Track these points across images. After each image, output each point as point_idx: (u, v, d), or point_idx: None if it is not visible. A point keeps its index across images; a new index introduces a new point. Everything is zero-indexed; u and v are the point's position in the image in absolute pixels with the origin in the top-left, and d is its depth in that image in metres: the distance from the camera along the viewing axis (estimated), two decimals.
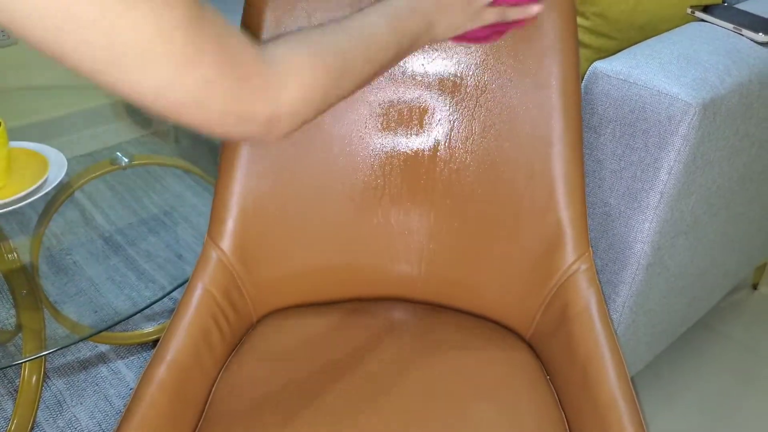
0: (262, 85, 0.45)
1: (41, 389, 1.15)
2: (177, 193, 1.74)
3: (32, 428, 1.13)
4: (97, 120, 1.77)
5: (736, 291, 1.53)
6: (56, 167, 1.03)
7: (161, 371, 0.65)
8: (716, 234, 1.04)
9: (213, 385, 0.73)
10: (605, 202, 0.90)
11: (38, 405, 1.14)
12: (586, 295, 0.73)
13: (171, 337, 0.69)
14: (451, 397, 0.69)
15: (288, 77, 0.47)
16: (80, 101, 1.74)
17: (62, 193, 1.14)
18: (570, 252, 0.76)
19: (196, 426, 0.69)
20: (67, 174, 1.04)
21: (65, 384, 1.23)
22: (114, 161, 1.14)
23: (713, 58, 0.85)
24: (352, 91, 0.55)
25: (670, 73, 0.80)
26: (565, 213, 0.76)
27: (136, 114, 1.84)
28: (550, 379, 0.77)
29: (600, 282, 0.94)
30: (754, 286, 1.54)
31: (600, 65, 0.85)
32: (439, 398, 0.69)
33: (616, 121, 0.84)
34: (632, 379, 1.29)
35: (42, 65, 2.02)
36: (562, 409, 0.73)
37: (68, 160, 1.06)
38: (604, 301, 0.73)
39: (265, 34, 0.75)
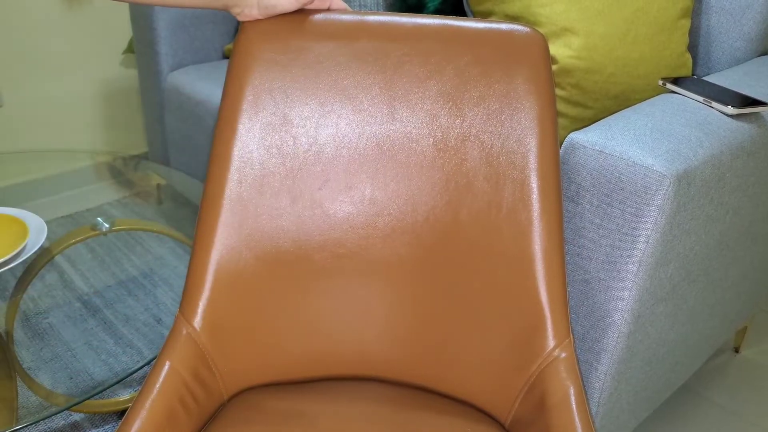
0: None
1: None
2: (158, 255, 1.73)
3: None
4: (79, 181, 1.77)
5: (718, 355, 1.53)
6: (36, 233, 1.03)
7: None
8: (696, 300, 1.05)
9: None
10: (585, 269, 0.90)
11: None
12: (565, 385, 0.72)
13: (133, 417, 0.67)
14: None
15: None
16: (61, 164, 1.75)
17: (42, 258, 1.13)
18: (550, 338, 0.76)
19: None
20: (47, 239, 1.04)
21: None
22: (95, 227, 1.14)
23: (686, 130, 0.88)
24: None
25: (645, 145, 0.83)
26: (544, 297, 0.76)
27: (119, 175, 1.85)
28: None
29: (581, 350, 0.94)
30: (736, 350, 1.54)
31: (576, 136, 0.87)
32: None
33: (593, 190, 0.86)
34: None
35: (28, 129, 2.03)
36: None
37: (49, 222, 1.06)
38: (584, 392, 0.72)
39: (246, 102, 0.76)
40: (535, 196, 0.76)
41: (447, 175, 0.79)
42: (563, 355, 0.74)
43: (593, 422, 0.70)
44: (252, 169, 0.78)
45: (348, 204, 0.80)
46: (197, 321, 0.76)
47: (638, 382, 1.04)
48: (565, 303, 0.76)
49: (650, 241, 0.83)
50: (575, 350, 0.75)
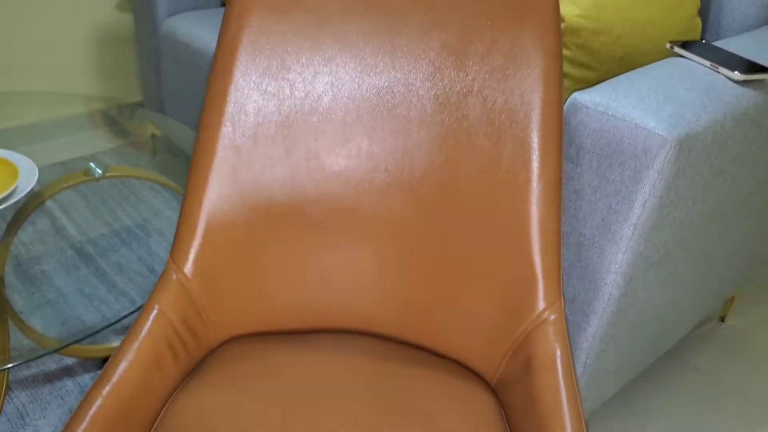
0: None
1: (3, 402, 1.12)
2: (151, 205, 1.72)
3: None
4: (72, 128, 1.75)
5: (705, 323, 1.55)
6: (26, 175, 1.01)
7: (104, 393, 0.63)
8: (688, 267, 1.06)
9: (162, 410, 0.71)
10: (579, 231, 0.90)
11: None
12: (552, 347, 0.72)
13: (119, 359, 0.66)
14: None
15: None
16: (56, 108, 1.72)
17: (32, 202, 1.12)
18: (540, 300, 0.75)
19: None
20: (38, 183, 1.02)
21: (28, 397, 1.20)
22: (87, 172, 1.12)
23: (690, 95, 0.86)
24: None
25: (648, 108, 0.82)
26: (538, 259, 0.76)
27: (114, 123, 1.82)
28: (510, 427, 0.75)
29: (571, 311, 0.95)
30: (722, 319, 1.56)
31: (579, 96, 0.86)
32: None
33: (593, 152, 0.85)
34: (601, 407, 1.29)
35: (17, 70, 1.99)
36: None
37: (40, 169, 1.04)
38: (571, 355, 0.72)
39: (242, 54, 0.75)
40: (535, 155, 0.75)
41: (447, 130, 0.78)
42: (552, 317, 0.74)
43: (578, 385, 0.70)
44: (246, 115, 0.76)
45: (344, 157, 0.79)
46: (188, 267, 0.76)
47: (625, 345, 1.05)
48: (559, 266, 0.76)
49: (647, 205, 0.83)
50: (565, 313, 0.76)
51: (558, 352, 0.71)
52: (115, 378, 0.64)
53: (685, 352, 1.45)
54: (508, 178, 0.76)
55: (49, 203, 1.66)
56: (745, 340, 1.51)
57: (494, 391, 0.80)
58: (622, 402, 1.31)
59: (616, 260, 0.88)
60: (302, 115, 0.77)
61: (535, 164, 0.75)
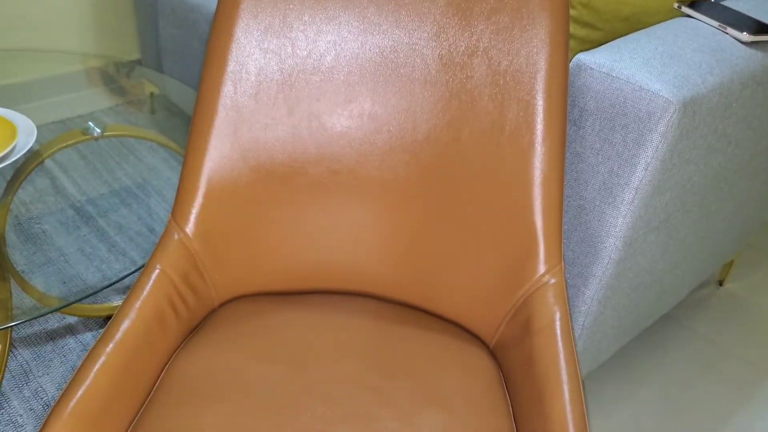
0: None
1: (7, 359, 1.13)
2: (151, 165, 1.71)
3: None
4: (69, 86, 1.73)
5: (703, 287, 1.56)
6: (25, 134, 1.00)
7: (107, 351, 0.63)
8: (688, 231, 1.06)
9: (164, 368, 0.72)
10: (580, 195, 0.90)
11: (3, 374, 1.12)
12: (552, 310, 0.72)
13: (122, 317, 0.67)
14: (403, 401, 0.67)
15: None
16: (53, 66, 1.70)
17: (32, 161, 1.11)
18: (541, 264, 0.75)
19: (139, 410, 0.68)
20: (37, 141, 1.02)
21: (31, 354, 1.21)
22: (86, 131, 1.11)
23: (697, 56, 0.85)
24: None
25: (653, 69, 0.81)
26: (540, 222, 0.75)
27: (112, 82, 1.80)
28: (508, 389, 0.76)
29: (570, 275, 0.95)
30: (720, 283, 1.57)
31: (584, 57, 0.85)
32: (389, 402, 0.67)
33: (596, 114, 0.84)
34: (597, 369, 1.31)
35: (14, 27, 1.96)
36: (515, 422, 0.72)
37: (39, 127, 1.04)
38: (570, 318, 0.72)
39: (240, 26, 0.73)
40: (539, 118, 0.74)
41: (451, 92, 0.77)
42: (553, 281, 0.75)
43: (576, 348, 0.71)
44: (248, 74, 0.75)
45: (346, 118, 0.78)
46: (189, 227, 0.76)
47: (623, 308, 1.06)
48: (560, 230, 0.76)
49: (649, 168, 0.83)
50: (565, 276, 0.76)
51: (557, 316, 0.72)
52: (117, 336, 0.65)
53: (683, 316, 1.47)
54: (511, 142, 0.75)
55: (48, 162, 1.65)
56: (742, 304, 1.52)
57: (493, 353, 0.81)
58: (619, 364, 1.33)
59: (617, 224, 0.88)
60: (304, 74, 0.76)
61: (540, 127, 0.74)
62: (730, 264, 1.53)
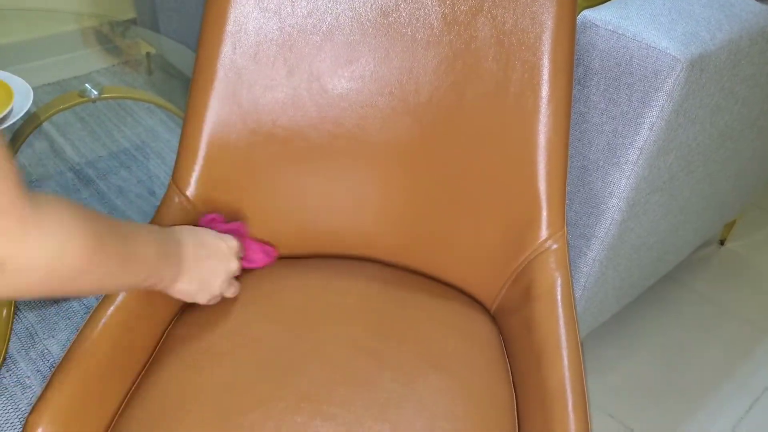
0: (14, 224, 0.40)
1: (12, 322, 1.14)
2: (149, 127, 1.70)
3: (4, 359, 1.13)
4: (65, 46, 1.70)
5: (704, 246, 1.56)
6: (22, 97, 0.99)
7: (108, 313, 0.64)
8: (692, 191, 1.05)
9: (166, 330, 0.72)
10: (584, 155, 0.89)
11: (10, 337, 1.13)
12: (553, 276, 0.72)
13: None
14: (404, 365, 0.68)
15: (49, 225, 0.42)
16: (47, 25, 1.67)
17: (29, 124, 1.10)
18: (543, 229, 0.75)
19: (141, 371, 0.68)
20: (33, 104, 1.00)
21: (36, 317, 1.22)
22: (83, 93, 1.10)
23: (706, 12, 0.83)
24: (92, 287, 0.48)
25: (661, 26, 0.79)
26: (543, 187, 0.74)
27: (107, 42, 1.77)
28: (507, 354, 0.76)
29: (572, 236, 0.95)
30: (722, 242, 1.57)
31: (589, 14, 0.83)
32: (389, 365, 0.67)
33: (601, 73, 0.83)
34: (598, 328, 1.32)
35: None
36: (515, 387, 0.72)
37: (34, 89, 1.02)
38: (572, 284, 0.72)
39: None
40: (544, 80, 0.73)
41: (455, 52, 0.75)
42: (555, 246, 0.74)
43: (577, 313, 0.71)
44: (247, 35, 0.73)
45: (347, 79, 0.77)
46: (190, 190, 0.75)
47: (625, 269, 1.06)
48: (563, 195, 0.75)
49: (654, 128, 0.82)
50: (567, 241, 0.76)
51: (558, 282, 0.71)
52: (118, 299, 0.65)
53: (684, 275, 1.47)
54: (515, 104, 0.74)
55: (45, 125, 1.63)
56: (743, 264, 1.53)
57: (493, 318, 0.81)
58: (619, 323, 1.34)
59: (620, 184, 0.87)
60: (304, 34, 0.75)
61: (544, 90, 0.73)
62: (732, 223, 1.53)
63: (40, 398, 0.58)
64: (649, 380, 1.23)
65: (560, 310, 0.69)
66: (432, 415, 0.63)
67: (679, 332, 1.34)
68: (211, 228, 0.68)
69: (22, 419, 1.06)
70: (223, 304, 0.71)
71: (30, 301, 1.26)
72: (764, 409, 1.20)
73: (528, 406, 0.67)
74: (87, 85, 1.10)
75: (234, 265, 0.67)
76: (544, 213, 0.74)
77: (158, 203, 1.45)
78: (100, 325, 0.63)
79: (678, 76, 0.77)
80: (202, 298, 0.66)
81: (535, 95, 0.73)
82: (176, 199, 0.75)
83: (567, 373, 0.63)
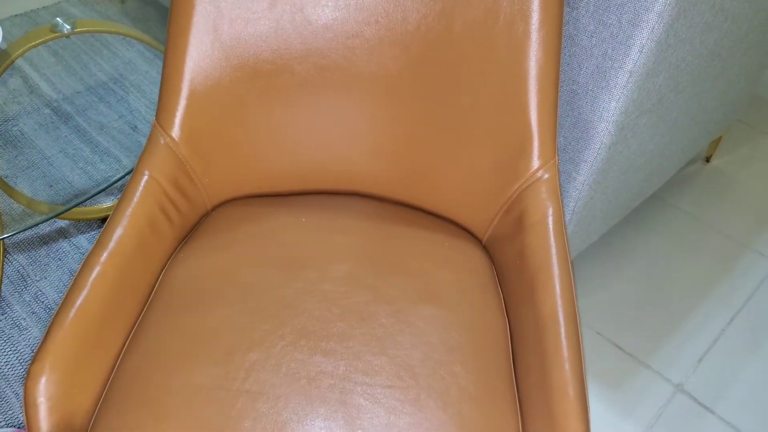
0: None
1: (2, 265, 1.14)
2: (126, 59, 1.64)
3: None
4: None
5: (689, 164, 1.57)
6: None
7: (102, 260, 0.64)
8: (679, 112, 1.05)
9: (161, 273, 0.73)
10: (573, 80, 0.88)
11: (1, 280, 1.14)
12: (544, 205, 0.72)
13: (114, 225, 0.67)
14: (399, 298, 0.69)
15: None
16: None
17: (0, 61, 1.06)
18: (535, 159, 0.74)
19: (139, 315, 0.69)
20: (4, 40, 0.96)
21: (27, 259, 1.22)
22: (55, 28, 1.05)
23: None
24: None
25: None
26: (534, 117, 0.73)
27: None
28: (500, 284, 0.78)
29: (562, 161, 0.95)
30: (707, 159, 1.58)
31: None
32: (385, 299, 0.68)
33: None
34: (586, 250, 1.35)
35: None
36: (508, 315, 0.74)
37: (2, 21, 0.97)
38: (563, 212, 0.72)
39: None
40: (535, 6, 0.71)
41: None
42: (546, 176, 0.74)
43: (568, 241, 0.72)
44: None
45: (332, 9, 0.74)
46: (175, 131, 0.74)
47: (613, 191, 1.07)
48: (555, 124, 0.75)
49: (644, 50, 0.80)
50: (559, 169, 0.76)
51: (550, 211, 0.72)
52: (111, 245, 0.65)
53: (669, 194, 1.49)
54: (505, 31, 0.72)
55: (18, 61, 1.58)
56: (728, 180, 1.55)
57: (486, 248, 0.82)
58: (606, 243, 1.37)
59: (609, 108, 0.86)
60: None
61: (535, 15, 0.71)
62: (718, 140, 1.54)
63: (41, 347, 0.59)
64: (636, 298, 1.27)
65: (552, 239, 0.70)
66: (428, 347, 0.64)
67: (664, 250, 1.37)
68: None
69: (21, 360, 1.08)
70: (218, 243, 0.71)
71: (19, 243, 1.25)
72: (744, 321, 1.25)
73: (521, 333, 0.69)
74: (58, 19, 1.06)
75: None
76: (536, 143, 0.74)
77: (141, 138, 1.43)
78: (94, 273, 0.63)
79: None
80: None
81: (525, 22, 0.71)
82: (162, 141, 0.74)
83: (559, 300, 0.65)
